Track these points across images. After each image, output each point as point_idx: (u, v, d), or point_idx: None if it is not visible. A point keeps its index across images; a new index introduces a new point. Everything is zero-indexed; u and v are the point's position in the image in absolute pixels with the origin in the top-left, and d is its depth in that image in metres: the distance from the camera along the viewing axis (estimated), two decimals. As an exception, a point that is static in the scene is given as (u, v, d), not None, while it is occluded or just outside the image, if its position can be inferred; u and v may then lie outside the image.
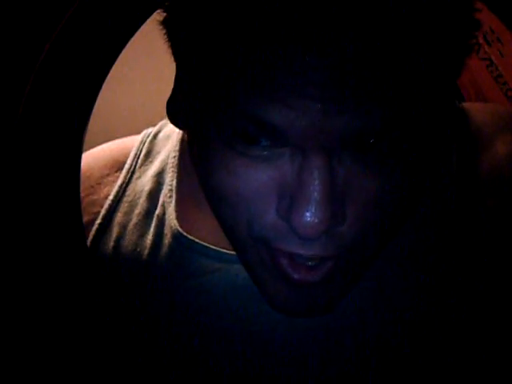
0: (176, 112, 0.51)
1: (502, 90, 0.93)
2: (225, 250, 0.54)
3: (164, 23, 0.45)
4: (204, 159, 0.46)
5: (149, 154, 0.61)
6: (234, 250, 0.50)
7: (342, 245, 0.45)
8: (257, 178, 0.44)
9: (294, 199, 0.42)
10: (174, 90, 0.51)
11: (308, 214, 0.42)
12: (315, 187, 0.42)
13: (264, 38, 0.39)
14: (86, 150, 0.49)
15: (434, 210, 0.53)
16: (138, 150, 0.61)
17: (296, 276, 0.46)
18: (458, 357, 0.51)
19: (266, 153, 0.43)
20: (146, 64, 1.15)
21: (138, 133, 0.64)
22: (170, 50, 0.47)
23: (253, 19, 0.39)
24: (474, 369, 0.51)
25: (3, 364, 0.45)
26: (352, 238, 0.44)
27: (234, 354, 0.52)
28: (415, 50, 0.40)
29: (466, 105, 0.58)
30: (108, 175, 0.60)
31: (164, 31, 0.46)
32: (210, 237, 0.55)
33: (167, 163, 0.59)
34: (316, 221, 0.42)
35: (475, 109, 0.56)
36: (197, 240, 0.55)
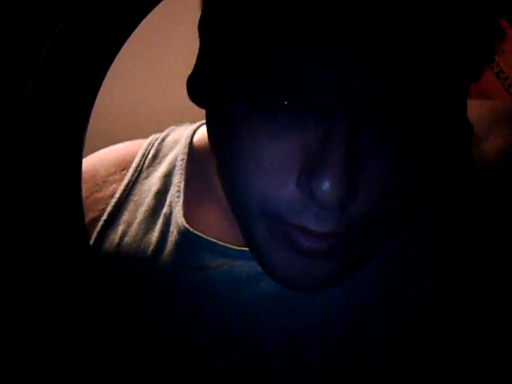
0: (200, 87, 0.51)
1: (504, 86, 0.93)
2: (230, 246, 0.54)
3: None
4: (227, 133, 0.46)
5: (156, 155, 0.62)
6: (240, 228, 0.50)
7: (353, 222, 0.45)
8: (280, 147, 0.44)
9: (316, 165, 0.43)
10: (197, 65, 0.51)
11: (329, 179, 0.42)
12: (339, 152, 0.42)
13: None
14: (86, 149, 0.49)
15: (435, 202, 0.54)
16: (146, 150, 0.62)
17: (306, 243, 0.45)
18: (459, 352, 0.51)
19: (292, 119, 0.43)
20: (147, 63, 1.15)
21: (139, 131, 0.65)
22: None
23: None
24: (476, 367, 0.51)
25: (3, 364, 0.45)
26: (363, 216, 0.45)
27: (237, 349, 0.52)
28: (447, 24, 0.41)
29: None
30: (114, 173, 0.61)
31: None
32: (215, 234, 0.55)
33: (175, 165, 0.60)
34: (336, 187, 0.42)
35: (473, 105, 0.56)
36: (203, 235, 0.55)
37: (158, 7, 0.45)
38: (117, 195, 0.59)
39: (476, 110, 0.57)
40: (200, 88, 0.51)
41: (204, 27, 0.50)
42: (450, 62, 0.43)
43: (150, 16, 0.45)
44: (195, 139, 0.62)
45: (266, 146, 0.44)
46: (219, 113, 0.48)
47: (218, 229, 0.56)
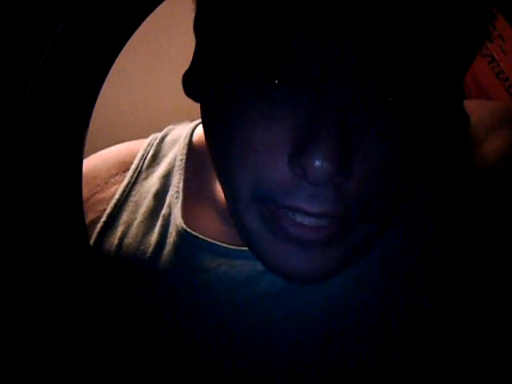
0: (195, 81, 0.51)
1: (504, 87, 0.93)
2: (229, 246, 0.54)
3: None
4: (221, 121, 0.46)
5: (156, 155, 0.62)
6: (234, 222, 0.49)
7: (347, 204, 0.44)
8: (272, 127, 0.44)
9: (307, 141, 0.42)
10: (193, 61, 0.51)
11: (321, 154, 0.41)
12: (330, 128, 0.42)
13: None
14: (87, 149, 0.50)
15: (436, 201, 0.54)
16: (145, 151, 0.62)
17: (298, 233, 0.45)
18: (459, 348, 0.51)
19: (284, 99, 0.43)
20: (147, 63, 1.15)
21: (139, 131, 0.65)
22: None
23: None
24: (476, 366, 0.51)
25: (3, 364, 0.45)
26: (357, 198, 0.44)
27: (236, 350, 0.52)
28: (440, 15, 0.42)
29: (465, 101, 0.59)
30: (116, 175, 0.61)
31: None
32: (214, 234, 0.55)
33: (174, 166, 0.60)
34: (327, 162, 0.41)
35: (473, 105, 0.56)
36: (201, 236, 0.55)
37: (158, 8, 0.46)
38: (116, 196, 0.59)
39: (476, 110, 0.57)
40: (195, 78, 0.51)
41: (199, 16, 0.49)
42: (444, 43, 0.43)
43: (150, 16, 0.45)
44: (194, 138, 0.62)
45: (259, 128, 0.44)
46: (213, 101, 0.48)
47: (217, 229, 0.56)
